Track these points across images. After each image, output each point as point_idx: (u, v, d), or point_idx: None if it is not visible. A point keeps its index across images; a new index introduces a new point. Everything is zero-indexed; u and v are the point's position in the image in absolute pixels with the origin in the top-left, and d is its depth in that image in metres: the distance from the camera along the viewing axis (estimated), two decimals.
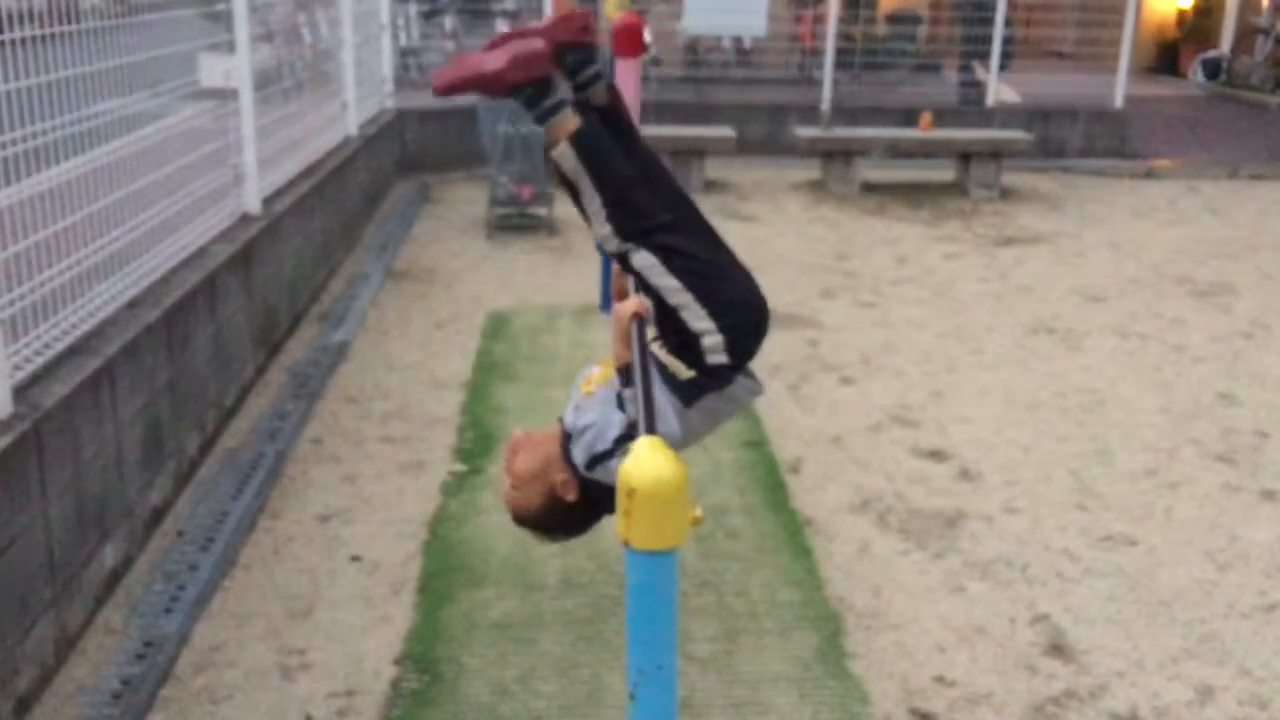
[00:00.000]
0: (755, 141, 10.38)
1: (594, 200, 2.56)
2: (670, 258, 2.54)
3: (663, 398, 2.48)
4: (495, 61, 2.55)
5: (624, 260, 2.60)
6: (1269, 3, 15.71)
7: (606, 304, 5.66)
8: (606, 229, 2.56)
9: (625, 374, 2.47)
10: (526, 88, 2.55)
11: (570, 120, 2.55)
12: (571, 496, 2.58)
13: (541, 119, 2.57)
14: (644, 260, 2.55)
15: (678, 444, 2.51)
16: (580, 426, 2.55)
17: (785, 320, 6.16)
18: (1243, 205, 9.36)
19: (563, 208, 8.05)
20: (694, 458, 4.31)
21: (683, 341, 2.56)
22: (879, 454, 4.54)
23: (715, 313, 2.53)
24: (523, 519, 2.69)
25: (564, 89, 2.62)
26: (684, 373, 2.60)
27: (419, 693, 3.03)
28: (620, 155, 2.59)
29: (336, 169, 6.80)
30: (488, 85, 2.57)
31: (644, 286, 2.58)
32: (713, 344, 2.54)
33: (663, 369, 2.57)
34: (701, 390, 2.58)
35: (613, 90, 2.75)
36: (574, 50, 2.66)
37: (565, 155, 2.54)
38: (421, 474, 4.26)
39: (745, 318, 2.59)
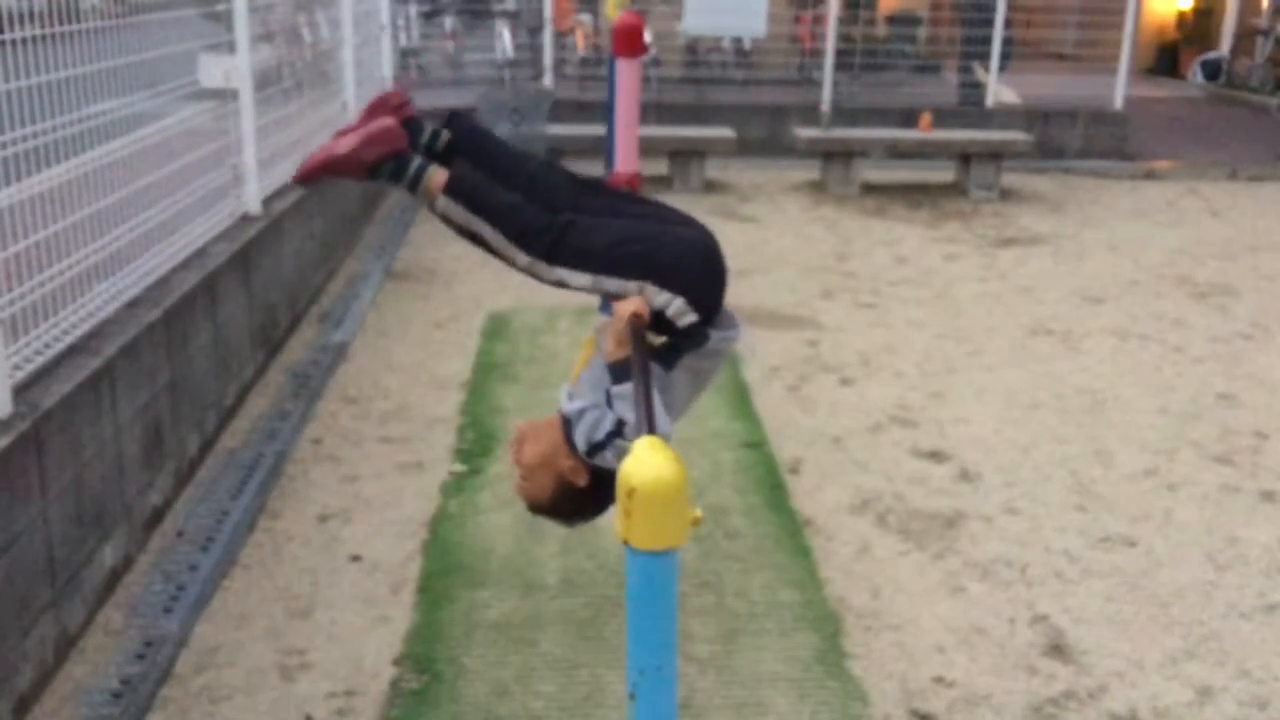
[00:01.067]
0: (755, 142, 10.38)
1: (497, 236, 2.58)
2: (601, 262, 2.55)
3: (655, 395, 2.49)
4: (347, 144, 2.60)
5: (564, 285, 2.62)
6: (1269, 4, 15.72)
7: (606, 305, 5.66)
8: (525, 257, 2.58)
9: (616, 371, 2.47)
10: (386, 163, 2.60)
11: (438, 175, 2.59)
12: (582, 481, 2.58)
13: (413, 186, 2.61)
14: (581, 280, 2.58)
15: (672, 418, 2.52)
16: (575, 411, 2.55)
17: (785, 321, 6.17)
18: (1242, 207, 9.37)
19: None
20: (694, 458, 4.31)
21: (653, 319, 2.57)
22: (878, 455, 4.54)
23: (666, 283, 2.53)
24: (538, 508, 2.69)
25: (419, 156, 2.65)
26: (656, 340, 2.61)
27: (418, 693, 3.03)
28: (499, 182, 2.61)
29: None
30: (345, 168, 2.61)
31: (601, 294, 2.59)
32: (677, 309, 2.55)
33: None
34: (679, 351, 2.59)
35: (454, 117, 2.77)
36: (403, 124, 2.71)
37: (449, 208, 2.57)
38: (421, 474, 4.26)
39: (695, 272, 2.59)
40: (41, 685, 2.95)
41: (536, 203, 2.63)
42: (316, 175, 2.65)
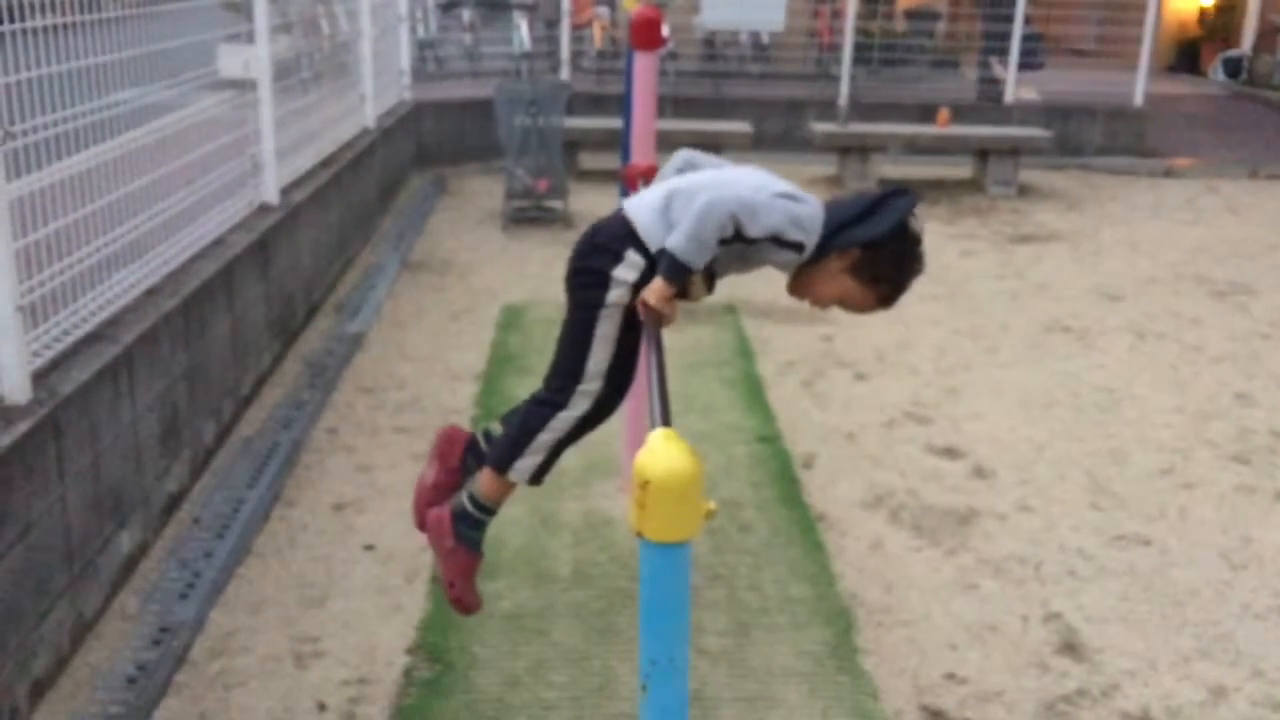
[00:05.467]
0: (772, 137, 10.36)
1: (552, 426, 2.65)
2: (581, 337, 2.63)
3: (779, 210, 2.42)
4: (445, 571, 2.80)
5: (610, 370, 2.66)
6: None
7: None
8: (572, 410, 2.64)
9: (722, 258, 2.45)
10: (462, 527, 2.76)
11: (481, 479, 2.74)
12: (855, 254, 2.48)
13: (482, 510, 2.76)
14: (599, 358, 2.62)
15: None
16: (787, 236, 2.46)
17: (799, 316, 6.16)
18: (1262, 205, 9.31)
19: (578, 201, 8.06)
20: (707, 452, 4.31)
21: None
22: (892, 451, 4.54)
23: (613, 269, 2.54)
24: (886, 299, 2.55)
25: (482, 520, 2.79)
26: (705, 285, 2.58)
27: (431, 682, 3.04)
28: (514, 434, 2.70)
29: (354, 160, 6.82)
30: (453, 568, 2.77)
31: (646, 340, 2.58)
32: (633, 262, 2.53)
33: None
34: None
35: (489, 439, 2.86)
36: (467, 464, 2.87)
37: (519, 470, 2.68)
38: None
39: (593, 245, 2.61)
40: (58, 670, 2.97)
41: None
42: (469, 598, 2.80)
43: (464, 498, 2.77)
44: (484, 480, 2.74)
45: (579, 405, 2.63)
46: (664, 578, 1.58)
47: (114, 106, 3.58)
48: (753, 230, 2.39)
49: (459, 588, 2.77)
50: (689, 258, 2.38)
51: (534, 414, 2.66)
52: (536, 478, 2.71)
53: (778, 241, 2.43)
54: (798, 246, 2.44)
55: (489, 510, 2.76)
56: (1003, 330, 6.03)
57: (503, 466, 2.69)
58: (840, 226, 2.47)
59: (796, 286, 2.58)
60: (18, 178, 3.04)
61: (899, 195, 2.51)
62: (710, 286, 2.58)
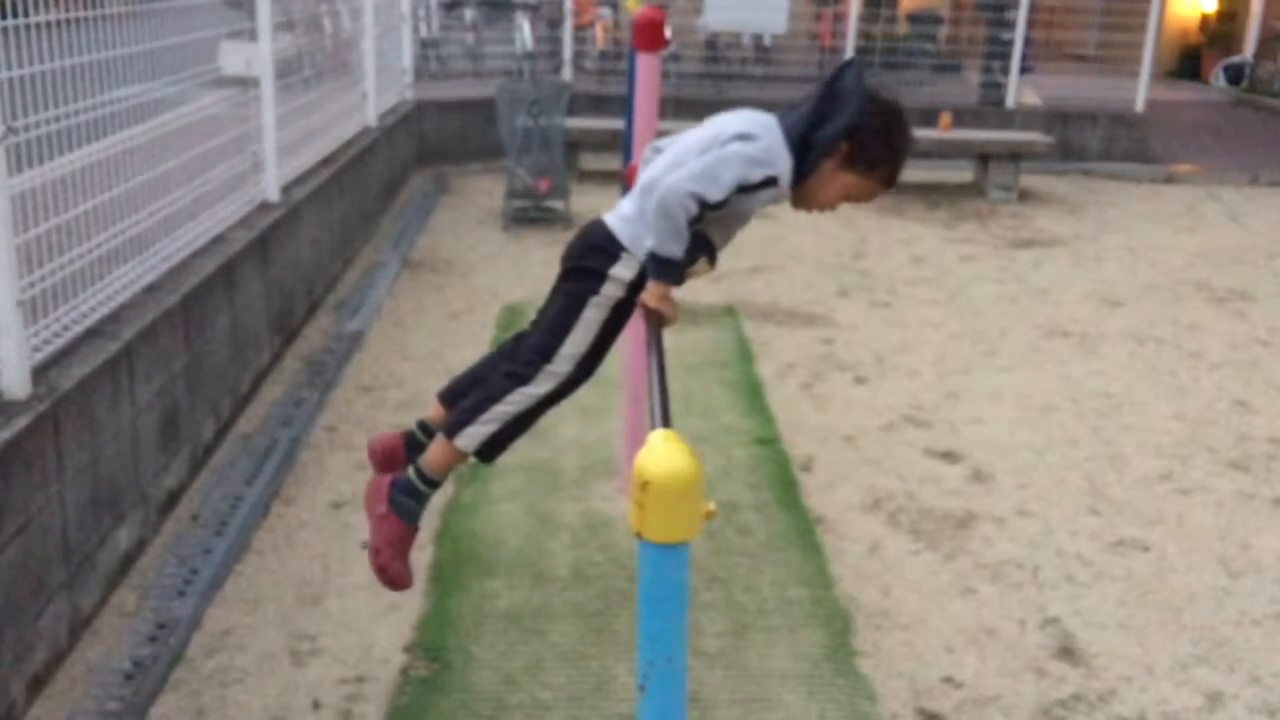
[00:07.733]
0: None
1: (512, 401, 2.59)
2: (564, 314, 2.59)
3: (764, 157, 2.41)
4: (373, 543, 2.70)
5: (578, 352, 2.61)
6: None
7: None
8: (538, 385, 2.58)
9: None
10: (398, 500, 2.68)
11: (432, 450, 2.67)
12: (843, 150, 2.46)
13: (426, 481, 2.68)
14: (578, 339, 2.58)
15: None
16: (753, 178, 2.44)
17: (800, 318, 6.16)
18: (1263, 212, 9.31)
19: (580, 201, 8.06)
20: (706, 454, 4.31)
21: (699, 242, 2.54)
22: (891, 454, 4.54)
23: (608, 266, 2.54)
24: (889, 179, 2.53)
25: (422, 491, 2.70)
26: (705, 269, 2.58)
27: (428, 681, 3.04)
28: (471, 403, 2.64)
29: (355, 158, 6.82)
30: (384, 543, 2.68)
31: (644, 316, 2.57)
32: (626, 264, 2.54)
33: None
34: (703, 236, 2.56)
35: (441, 417, 2.80)
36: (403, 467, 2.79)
37: (466, 439, 2.61)
38: None
39: (585, 246, 2.62)
40: (55, 665, 2.97)
41: (501, 359, 2.71)
42: (394, 569, 2.70)
43: (410, 466, 2.72)
44: (431, 448, 2.68)
45: (542, 385, 2.59)
46: (663, 579, 1.58)
47: (115, 103, 3.58)
48: (717, 195, 2.37)
49: (384, 556, 2.67)
50: (670, 252, 2.40)
51: (496, 384, 2.62)
52: (485, 452, 2.64)
53: (747, 190, 2.41)
54: (770, 181, 2.42)
55: (430, 481, 2.68)
56: (1002, 335, 6.03)
57: (453, 431, 2.63)
58: (806, 134, 2.44)
59: (800, 201, 2.55)
60: (19, 172, 3.04)
61: (842, 74, 2.49)
62: (712, 260, 2.58)
